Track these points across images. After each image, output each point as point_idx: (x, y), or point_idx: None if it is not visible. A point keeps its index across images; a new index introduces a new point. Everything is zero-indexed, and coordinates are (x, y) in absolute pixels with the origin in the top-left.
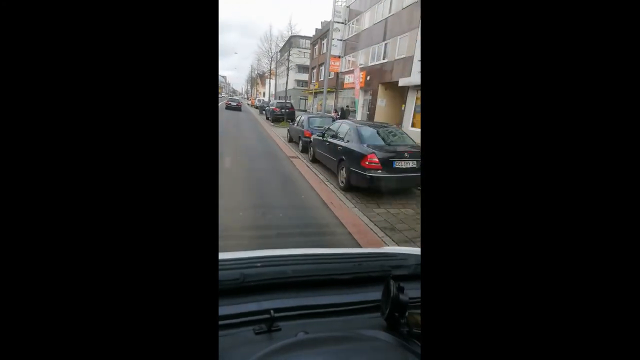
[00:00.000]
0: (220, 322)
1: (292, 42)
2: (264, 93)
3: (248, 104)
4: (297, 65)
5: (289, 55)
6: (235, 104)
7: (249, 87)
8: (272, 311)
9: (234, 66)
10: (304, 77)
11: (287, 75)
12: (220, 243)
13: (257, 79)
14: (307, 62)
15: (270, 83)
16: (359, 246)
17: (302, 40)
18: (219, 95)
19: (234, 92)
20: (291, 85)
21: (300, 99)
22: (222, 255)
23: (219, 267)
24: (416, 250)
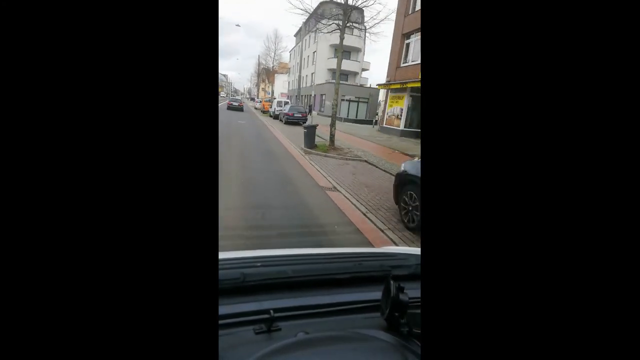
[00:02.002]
0: (220, 322)
1: (323, 11)
2: (272, 91)
3: (256, 109)
4: (331, 45)
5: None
6: (237, 104)
7: (251, 86)
8: (271, 311)
9: (237, 66)
10: (345, 64)
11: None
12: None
13: (262, 75)
14: (348, 42)
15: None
16: None
17: (336, 11)
18: (220, 95)
19: (236, 91)
20: (321, 77)
21: (345, 100)
22: (222, 255)
23: (219, 266)
24: (416, 250)
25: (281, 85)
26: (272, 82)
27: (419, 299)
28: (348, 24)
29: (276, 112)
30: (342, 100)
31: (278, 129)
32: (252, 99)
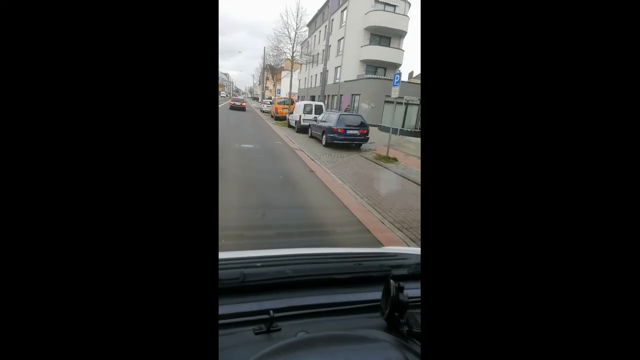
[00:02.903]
0: (220, 322)
1: None
2: (279, 90)
3: (264, 112)
4: (366, 29)
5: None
6: (239, 104)
7: (254, 85)
8: (271, 311)
9: (239, 66)
10: (384, 53)
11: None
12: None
13: (267, 72)
14: (389, 23)
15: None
16: None
17: None
18: (220, 95)
19: (237, 91)
20: (351, 71)
21: (388, 102)
22: (222, 255)
23: (219, 266)
24: (416, 250)
25: (289, 84)
26: (279, 79)
27: (419, 299)
28: None
29: (303, 123)
30: (386, 102)
31: (331, 170)
32: (256, 99)
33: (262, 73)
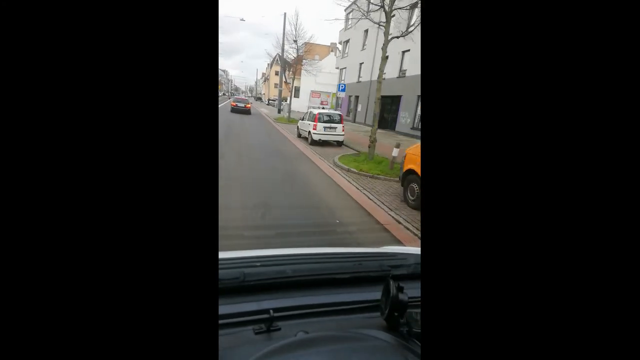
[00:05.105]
0: (220, 322)
1: None
2: (293, 89)
3: (314, 141)
4: None
5: None
6: (243, 105)
7: (256, 82)
8: (271, 311)
9: (240, 65)
10: None
11: None
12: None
13: (277, 65)
14: None
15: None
16: None
17: None
18: (219, 94)
19: (237, 90)
20: None
21: None
22: (222, 255)
23: (219, 266)
24: (416, 250)
25: (312, 80)
26: (298, 74)
27: (419, 299)
28: None
29: None
30: None
31: None
32: (259, 99)
33: (282, 63)
